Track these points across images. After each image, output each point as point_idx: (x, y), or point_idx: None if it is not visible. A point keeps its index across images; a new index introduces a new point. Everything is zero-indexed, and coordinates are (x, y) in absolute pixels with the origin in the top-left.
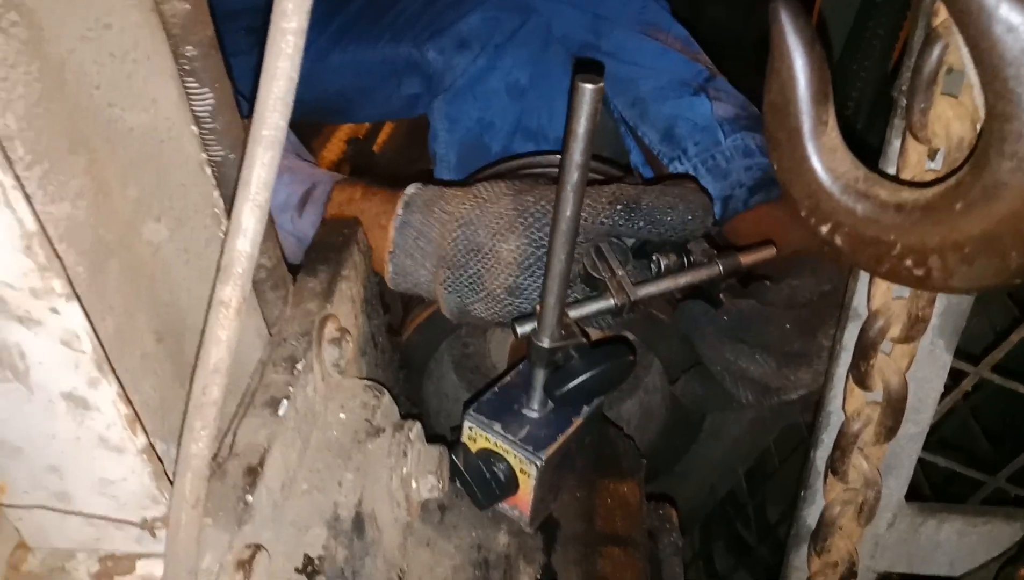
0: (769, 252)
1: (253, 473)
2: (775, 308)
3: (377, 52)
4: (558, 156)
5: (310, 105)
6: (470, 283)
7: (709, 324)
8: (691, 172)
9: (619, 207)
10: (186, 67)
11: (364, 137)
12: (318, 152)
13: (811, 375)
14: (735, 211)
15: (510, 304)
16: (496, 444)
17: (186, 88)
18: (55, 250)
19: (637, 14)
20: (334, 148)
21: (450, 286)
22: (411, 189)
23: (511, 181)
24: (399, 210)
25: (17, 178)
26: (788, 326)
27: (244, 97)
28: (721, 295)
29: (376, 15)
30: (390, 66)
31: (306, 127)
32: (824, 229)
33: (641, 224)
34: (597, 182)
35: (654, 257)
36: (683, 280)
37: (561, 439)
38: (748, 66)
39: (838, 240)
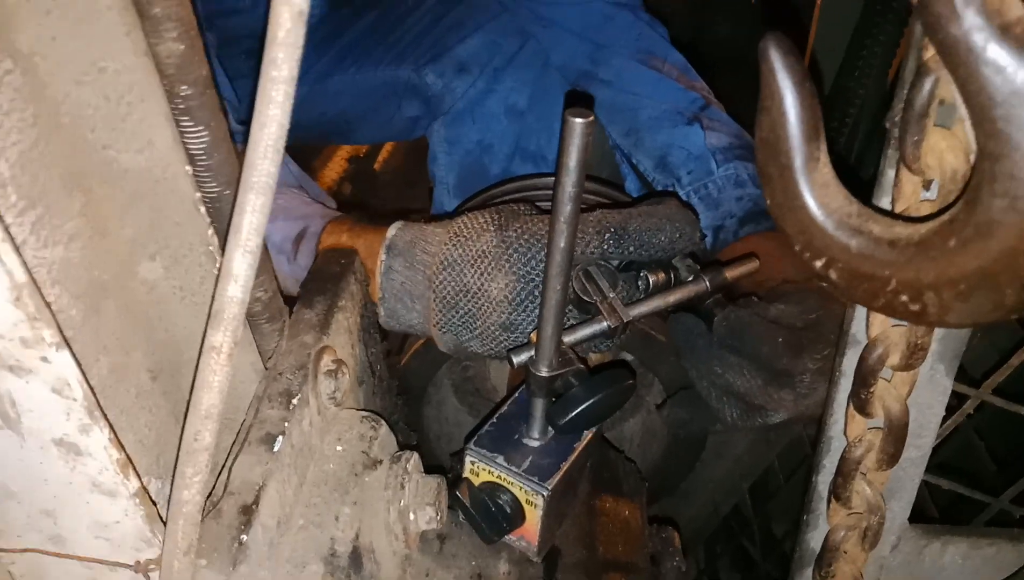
0: (752, 265)
1: (248, 512)
2: (766, 322)
3: (377, 75)
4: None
5: (311, 127)
6: (463, 322)
7: (700, 336)
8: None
9: (607, 235)
10: (181, 106)
11: (365, 156)
12: (319, 171)
13: (793, 397)
14: (725, 242)
15: (506, 339)
16: (500, 477)
17: (180, 127)
18: (45, 300)
19: (634, 42)
20: (335, 167)
21: (443, 327)
22: (391, 231)
23: (491, 212)
24: (382, 255)
25: (7, 229)
26: (780, 341)
27: (245, 122)
28: (714, 310)
29: (377, 39)
30: (390, 89)
31: (307, 147)
32: (818, 264)
33: (631, 249)
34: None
35: (641, 274)
36: (672, 297)
37: (565, 467)
38: (752, 84)
39: (832, 275)
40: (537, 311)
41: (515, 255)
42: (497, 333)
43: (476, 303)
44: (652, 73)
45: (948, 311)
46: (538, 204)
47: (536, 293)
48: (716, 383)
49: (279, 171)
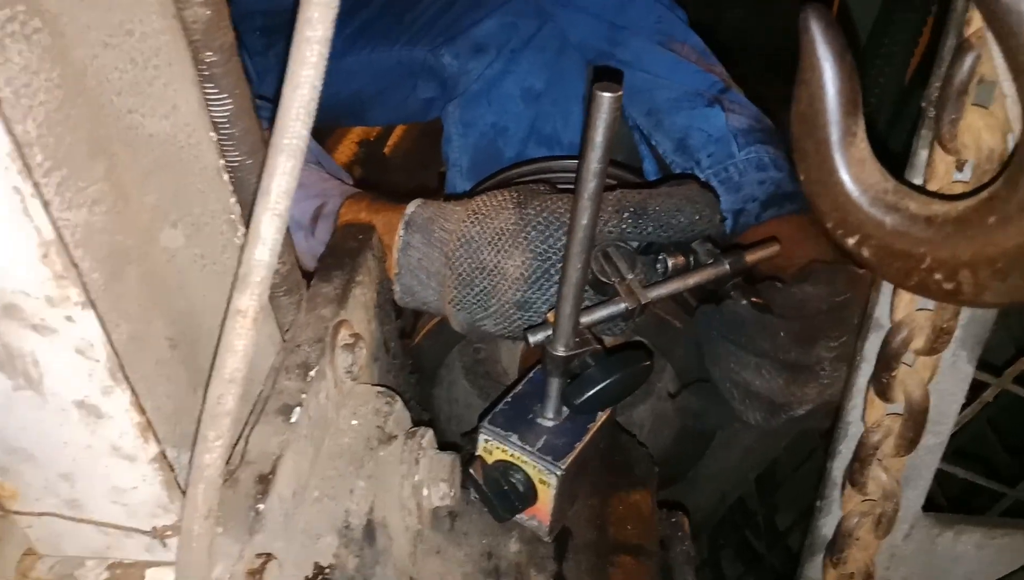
0: (773, 249)
1: (265, 481)
2: (780, 312)
3: (393, 55)
4: (569, 161)
5: (324, 107)
6: (478, 300)
7: (715, 330)
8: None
9: (626, 214)
10: (206, 73)
11: (375, 139)
12: (330, 154)
13: (817, 390)
14: (747, 225)
15: (520, 318)
16: (513, 455)
17: (205, 94)
18: (71, 258)
19: (654, 24)
20: (345, 150)
21: (458, 304)
22: (411, 208)
23: (511, 191)
24: (400, 231)
25: (36, 185)
26: (783, 334)
27: (258, 97)
28: (732, 293)
29: (393, 19)
30: (405, 69)
31: (318, 129)
32: (852, 241)
33: (650, 229)
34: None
35: (660, 257)
36: (692, 280)
37: (579, 447)
38: (766, 71)
39: (866, 253)
40: (552, 291)
41: (533, 233)
42: (511, 312)
43: (492, 280)
44: (671, 55)
45: (984, 290)
46: (556, 185)
47: (552, 272)
48: (737, 383)
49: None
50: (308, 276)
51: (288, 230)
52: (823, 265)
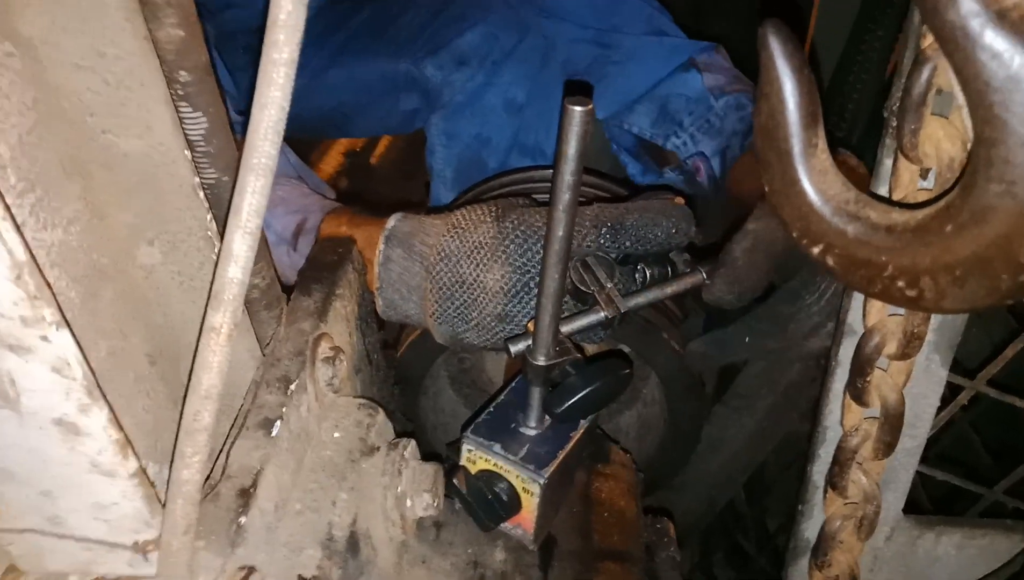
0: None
1: (246, 495)
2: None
3: (376, 68)
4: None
5: (308, 120)
6: (459, 313)
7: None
8: (688, 142)
9: (604, 229)
10: (180, 92)
11: (361, 150)
12: (316, 165)
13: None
14: (733, 158)
15: (501, 330)
16: (496, 465)
17: (180, 113)
18: (45, 278)
19: (645, 22)
20: (332, 161)
21: (439, 317)
22: (391, 222)
23: (489, 205)
24: (381, 245)
25: (7, 208)
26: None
27: (243, 112)
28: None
29: (375, 32)
30: (389, 82)
31: (304, 141)
32: (816, 250)
33: (627, 244)
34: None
35: (639, 267)
36: (670, 289)
37: (561, 455)
38: (749, 77)
39: (830, 261)
40: (532, 303)
41: (511, 246)
42: (492, 324)
43: (472, 294)
44: (662, 39)
45: (944, 296)
46: (535, 197)
47: (532, 285)
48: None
49: (279, 153)
50: (288, 291)
51: (268, 245)
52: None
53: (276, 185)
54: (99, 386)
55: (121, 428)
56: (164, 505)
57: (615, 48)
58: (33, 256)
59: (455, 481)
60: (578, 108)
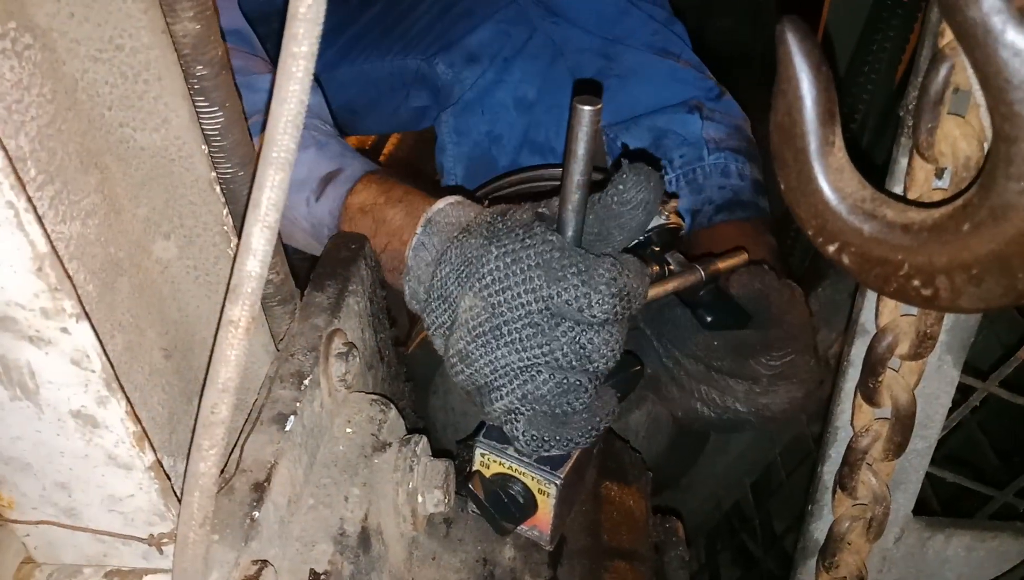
0: (741, 258)
1: (260, 489)
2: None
3: (386, 65)
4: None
5: None
6: (437, 330)
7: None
8: (673, 182)
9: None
10: (196, 86)
11: (370, 148)
12: None
13: (748, 397)
14: (700, 225)
15: (460, 372)
16: (511, 467)
17: (196, 107)
18: (66, 270)
19: (649, 36)
20: None
21: (426, 325)
22: (439, 204)
23: (492, 212)
24: (417, 229)
25: (30, 200)
26: (716, 343)
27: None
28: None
29: (386, 28)
30: (399, 79)
31: None
32: (831, 249)
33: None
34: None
35: None
36: (670, 286)
37: (575, 455)
38: (754, 77)
39: (845, 259)
40: (499, 354)
41: (488, 278)
42: (453, 359)
43: (448, 314)
44: (668, 62)
45: (960, 296)
46: (545, 192)
47: (505, 331)
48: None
49: (298, 148)
50: (301, 285)
51: (280, 238)
52: (749, 267)
53: (313, 129)
54: (117, 379)
55: (138, 421)
56: (180, 498)
57: (617, 61)
58: (54, 248)
59: (471, 486)
60: (587, 107)
